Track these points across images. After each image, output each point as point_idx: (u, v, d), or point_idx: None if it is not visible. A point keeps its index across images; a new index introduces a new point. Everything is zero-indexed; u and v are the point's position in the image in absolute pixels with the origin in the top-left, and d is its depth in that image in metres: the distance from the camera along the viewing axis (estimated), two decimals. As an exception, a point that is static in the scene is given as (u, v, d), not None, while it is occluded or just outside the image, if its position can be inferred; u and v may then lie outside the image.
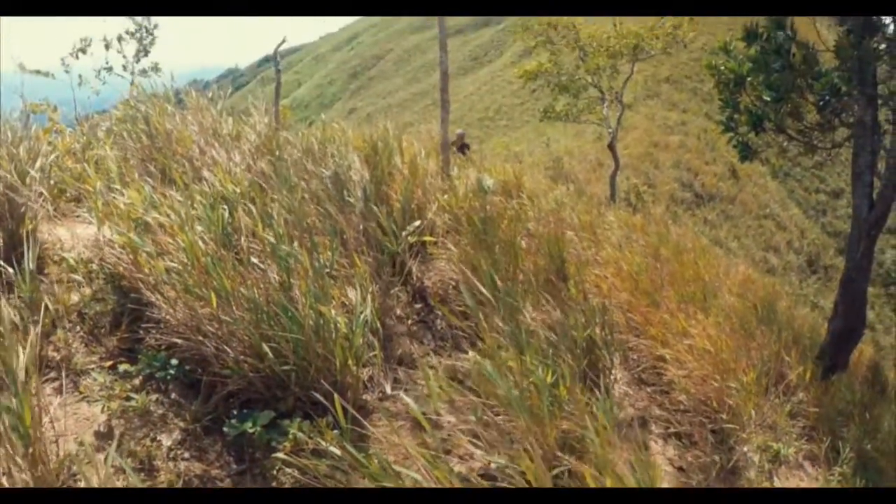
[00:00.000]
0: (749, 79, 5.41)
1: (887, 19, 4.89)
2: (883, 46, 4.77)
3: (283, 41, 7.05)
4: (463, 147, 12.94)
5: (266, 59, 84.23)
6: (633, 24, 17.63)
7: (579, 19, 18.26)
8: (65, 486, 2.32)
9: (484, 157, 13.48)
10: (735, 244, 21.26)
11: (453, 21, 44.65)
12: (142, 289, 3.23)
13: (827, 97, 5.00)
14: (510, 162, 11.23)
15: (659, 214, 9.06)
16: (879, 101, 4.93)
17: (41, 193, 3.83)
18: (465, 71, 44.56)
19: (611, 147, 17.30)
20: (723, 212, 23.21)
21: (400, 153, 4.87)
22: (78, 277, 3.38)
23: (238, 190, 3.64)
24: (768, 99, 5.25)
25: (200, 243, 3.15)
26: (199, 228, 3.26)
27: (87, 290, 3.35)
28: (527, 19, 20.05)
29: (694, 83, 30.16)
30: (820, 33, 5.17)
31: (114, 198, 3.64)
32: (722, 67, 5.55)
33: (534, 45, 18.88)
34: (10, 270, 3.04)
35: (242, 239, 3.41)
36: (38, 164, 3.93)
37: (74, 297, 3.28)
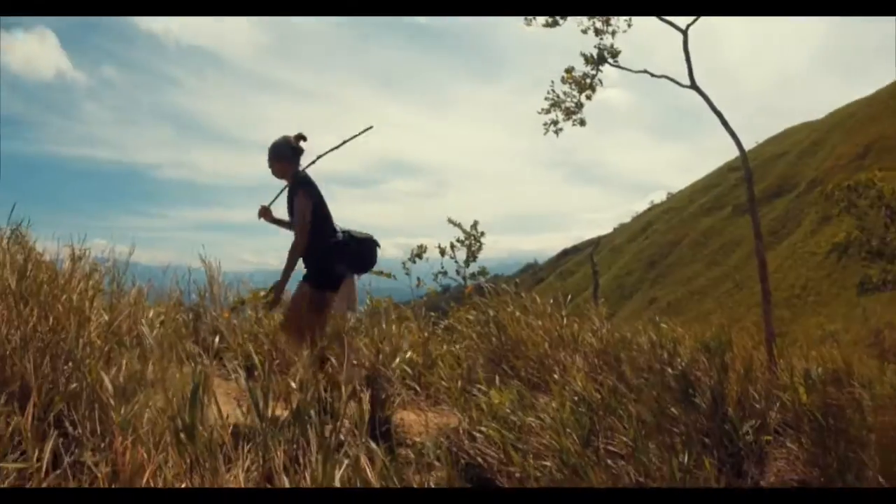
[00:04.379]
0: None
1: None
2: None
3: (598, 243, 7.54)
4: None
5: (565, 253, 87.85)
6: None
7: (877, 174, 17.00)
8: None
9: (796, 340, 12.41)
10: None
11: (743, 198, 43.41)
12: (500, 480, 3.49)
13: None
14: (826, 343, 10.33)
15: None
16: None
17: (403, 381, 4.38)
18: (765, 247, 42.75)
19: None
20: None
21: (730, 348, 4.83)
22: (436, 462, 3.70)
23: (600, 395, 3.86)
24: None
25: (570, 445, 3.36)
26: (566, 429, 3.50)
27: (441, 474, 3.66)
28: (825, 187, 19.06)
29: None
30: None
31: (475, 395, 4.04)
32: None
33: (837, 213, 17.79)
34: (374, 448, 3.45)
35: (600, 439, 3.58)
36: (398, 359, 4.51)
37: (428, 480, 3.58)
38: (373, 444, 2.90)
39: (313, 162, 5.21)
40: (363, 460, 2.72)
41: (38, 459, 2.46)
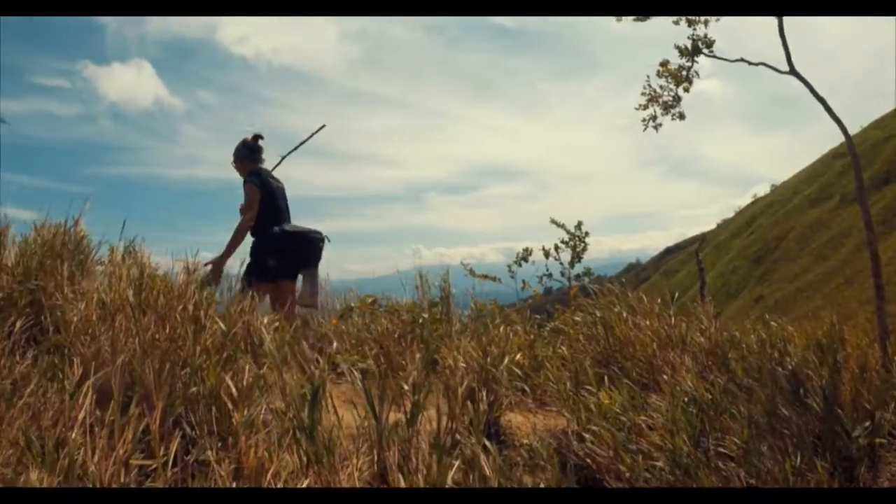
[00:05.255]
0: None
1: None
2: None
3: (704, 240, 7.30)
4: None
5: (668, 251, 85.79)
6: None
7: None
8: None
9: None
10: None
11: (850, 187, 41.33)
12: (608, 481, 3.47)
13: None
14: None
15: None
16: None
17: (511, 384, 4.34)
18: (876, 238, 40.46)
19: None
20: None
21: (842, 347, 4.61)
22: (544, 463, 3.65)
23: (710, 395, 3.81)
24: None
25: (683, 446, 3.34)
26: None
27: (549, 475, 3.59)
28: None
29: None
30: None
31: (584, 396, 4.01)
32: None
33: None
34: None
35: (710, 440, 3.53)
36: (506, 360, 4.47)
37: (535, 481, 3.53)
38: (489, 444, 2.89)
39: (278, 164, 5.79)
40: (482, 460, 2.70)
41: (163, 457, 2.55)
